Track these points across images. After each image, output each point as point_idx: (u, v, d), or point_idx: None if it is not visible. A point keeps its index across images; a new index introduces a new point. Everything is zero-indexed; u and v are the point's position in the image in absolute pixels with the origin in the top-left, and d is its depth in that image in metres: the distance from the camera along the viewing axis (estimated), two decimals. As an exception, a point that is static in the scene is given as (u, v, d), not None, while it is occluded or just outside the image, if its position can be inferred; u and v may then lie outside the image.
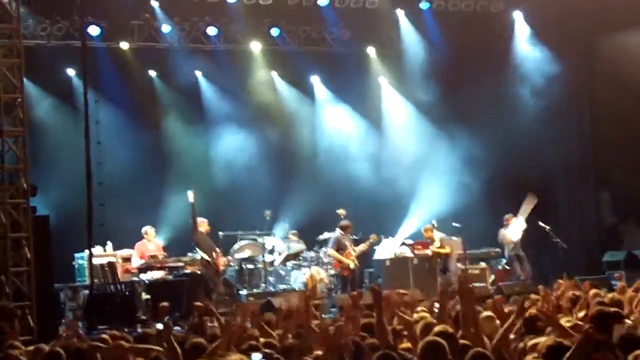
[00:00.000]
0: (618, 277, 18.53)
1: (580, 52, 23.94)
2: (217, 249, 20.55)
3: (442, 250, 21.41)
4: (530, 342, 8.09)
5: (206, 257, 20.10)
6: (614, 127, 23.60)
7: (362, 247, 20.87)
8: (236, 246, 21.52)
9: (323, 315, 15.95)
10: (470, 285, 9.16)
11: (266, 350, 8.76)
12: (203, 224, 20.46)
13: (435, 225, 21.63)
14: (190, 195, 20.11)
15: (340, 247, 20.64)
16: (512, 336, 8.48)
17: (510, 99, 23.99)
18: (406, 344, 8.81)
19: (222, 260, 20.48)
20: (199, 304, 12.16)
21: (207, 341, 9.10)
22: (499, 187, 23.39)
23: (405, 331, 9.10)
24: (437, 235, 21.52)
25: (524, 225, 21.94)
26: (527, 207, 21.98)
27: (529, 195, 22.14)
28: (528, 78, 24.01)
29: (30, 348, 10.06)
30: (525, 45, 24.33)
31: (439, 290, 9.61)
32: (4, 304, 14.99)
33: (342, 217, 21.00)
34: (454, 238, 22.11)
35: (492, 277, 21.99)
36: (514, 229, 21.93)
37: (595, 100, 24.39)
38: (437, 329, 8.85)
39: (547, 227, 21.43)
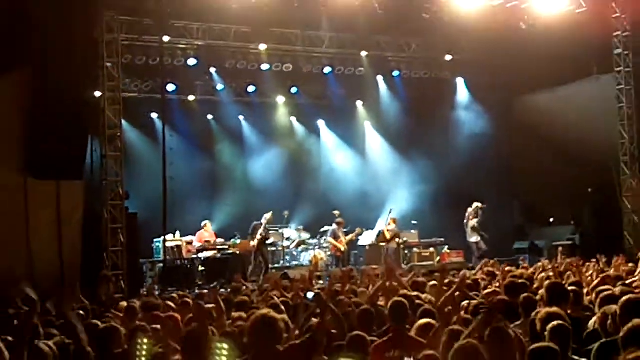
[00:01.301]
0: (522, 260, 18.32)
1: (502, 109, 23.84)
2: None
3: (386, 234, 20.75)
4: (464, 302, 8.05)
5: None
6: (525, 159, 23.46)
7: (350, 237, 20.69)
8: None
9: (321, 282, 15.97)
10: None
11: (317, 290, 8.84)
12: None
13: (396, 220, 21.21)
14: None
15: (335, 237, 20.53)
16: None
17: (454, 137, 23.92)
18: (382, 302, 8.78)
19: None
20: (237, 276, 12.22)
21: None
22: (444, 196, 23.18)
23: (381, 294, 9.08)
24: (392, 226, 20.92)
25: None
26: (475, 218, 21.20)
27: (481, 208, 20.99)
28: (466, 125, 23.99)
29: (124, 304, 10.09)
30: (464, 103, 24.31)
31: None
32: (104, 273, 15.20)
33: (337, 216, 20.88)
34: (412, 231, 21.99)
35: (438, 258, 21.81)
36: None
37: (512, 142, 24.19)
38: (401, 292, 8.80)
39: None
